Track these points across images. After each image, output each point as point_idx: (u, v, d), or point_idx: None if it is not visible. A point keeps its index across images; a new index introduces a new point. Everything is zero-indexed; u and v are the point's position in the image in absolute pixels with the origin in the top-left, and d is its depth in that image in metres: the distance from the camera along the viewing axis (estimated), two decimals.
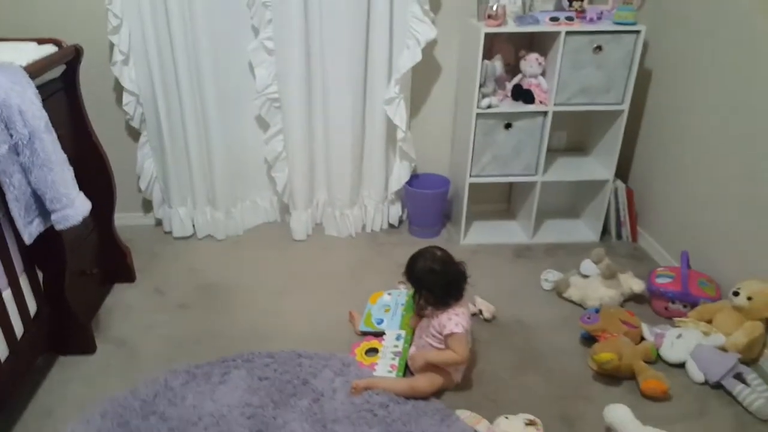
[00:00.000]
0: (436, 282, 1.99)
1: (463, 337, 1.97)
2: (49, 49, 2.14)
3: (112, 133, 2.86)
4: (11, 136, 1.66)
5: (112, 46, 2.64)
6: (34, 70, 1.87)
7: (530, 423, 1.82)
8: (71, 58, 2.20)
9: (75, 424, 1.90)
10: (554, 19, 2.59)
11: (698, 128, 2.54)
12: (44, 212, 1.86)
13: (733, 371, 2.03)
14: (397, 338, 2.23)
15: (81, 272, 2.27)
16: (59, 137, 1.88)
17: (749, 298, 2.10)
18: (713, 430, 1.90)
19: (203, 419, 1.93)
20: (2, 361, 1.83)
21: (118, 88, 2.77)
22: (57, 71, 2.16)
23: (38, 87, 1.85)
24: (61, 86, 2.20)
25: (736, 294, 2.14)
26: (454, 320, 1.97)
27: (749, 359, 2.15)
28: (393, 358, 2.15)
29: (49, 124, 1.80)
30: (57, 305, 2.12)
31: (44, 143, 1.75)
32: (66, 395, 2.05)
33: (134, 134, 2.92)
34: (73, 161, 1.96)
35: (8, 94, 1.62)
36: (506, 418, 1.82)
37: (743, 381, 2.03)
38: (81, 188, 1.97)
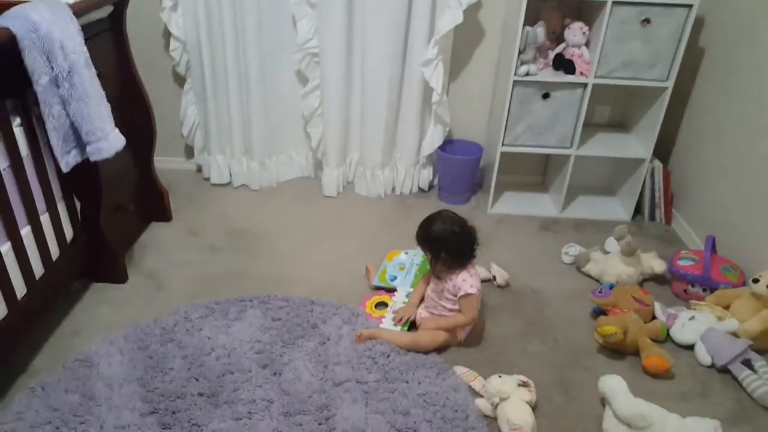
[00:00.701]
0: (455, 242, 2.01)
1: (476, 299, 2.01)
2: None
3: (160, 78, 2.98)
4: (52, 68, 1.76)
5: None
6: (79, 8, 1.95)
7: (523, 384, 1.84)
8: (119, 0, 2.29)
9: (99, 343, 2.05)
10: None
11: (745, 116, 2.42)
12: (81, 144, 1.97)
13: (742, 357, 1.98)
14: (407, 296, 2.27)
15: (117, 206, 2.41)
16: (101, 75, 1.97)
17: None
18: (709, 410, 1.87)
19: (215, 350, 2.04)
20: (38, 278, 1.99)
21: (167, 35, 2.87)
22: (104, 11, 2.25)
23: (84, 25, 1.95)
24: (108, 26, 2.29)
25: (756, 281, 2.08)
26: (468, 281, 2.01)
27: (762, 348, 2.09)
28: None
29: (89, 60, 1.89)
30: (93, 234, 2.27)
31: (83, 78, 1.85)
32: (95, 318, 2.21)
33: (180, 81, 3.03)
34: (114, 100, 2.06)
35: (50, 28, 1.72)
36: (499, 376, 1.84)
37: (751, 368, 1.98)
38: (122, 127, 2.08)
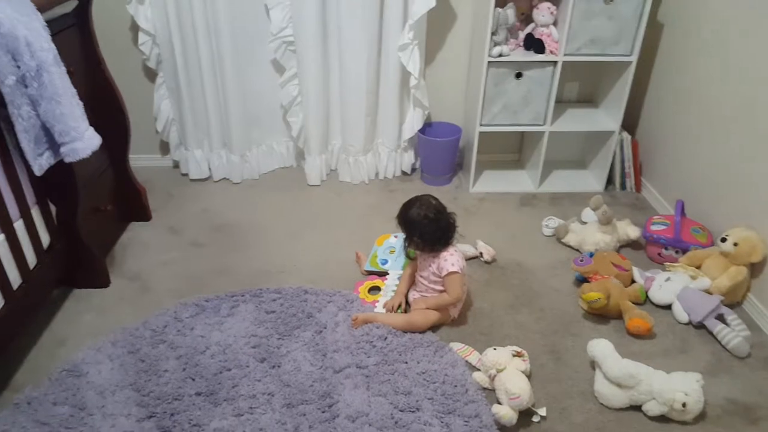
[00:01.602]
0: (428, 228, 1.98)
1: (459, 277, 1.97)
2: None
3: (130, 73, 2.82)
4: (18, 67, 1.61)
5: None
6: (42, 4, 1.79)
7: (517, 354, 1.82)
8: None
9: (86, 351, 1.92)
10: None
11: (704, 84, 2.43)
12: (54, 146, 1.82)
13: (715, 312, 2.02)
14: (399, 278, 2.21)
15: (95, 208, 2.26)
16: (70, 73, 1.83)
17: (735, 244, 2.09)
18: (689, 365, 1.89)
19: (210, 348, 1.94)
20: (15, 288, 1.84)
21: (135, 28, 2.70)
22: (69, 6, 2.09)
23: (49, 21, 1.80)
24: (74, 21, 2.13)
25: (723, 240, 2.12)
26: (450, 260, 1.98)
27: (733, 302, 2.15)
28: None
29: (58, 58, 1.75)
30: (70, 239, 2.12)
31: (52, 76, 1.70)
32: (80, 326, 2.07)
33: (151, 75, 2.87)
34: (85, 97, 1.92)
35: (14, 24, 1.57)
36: (494, 349, 1.81)
37: (724, 322, 2.03)
38: (94, 125, 1.93)
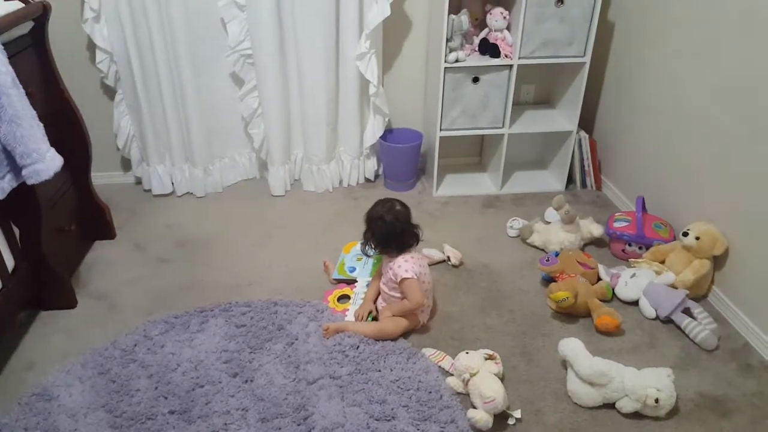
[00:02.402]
0: (379, 229, 2.02)
1: (414, 282, 1.99)
2: (16, 5, 2.04)
3: (88, 91, 2.79)
4: None
5: (82, 2, 2.54)
6: None
7: (489, 357, 1.86)
8: (39, 14, 2.11)
9: (56, 374, 1.90)
10: None
11: (656, 82, 2.52)
12: (16, 168, 1.81)
13: (682, 306, 2.07)
14: (367, 285, 2.24)
15: (59, 229, 2.23)
16: (29, 94, 1.82)
17: (697, 238, 2.14)
18: (659, 360, 1.95)
19: (181, 365, 1.94)
20: None
21: (92, 47, 2.68)
22: (25, 28, 2.08)
23: (5, 44, 1.80)
24: (30, 43, 2.12)
25: (685, 234, 2.17)
26: (403, 267, 2.00)
27: (698, 295, 2.21)
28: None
29: (16, 80, 1.73)
30: (35, 261, 2.09)
31: (11, 99, 1.69)
32: (47, 349, 2.04)
33: (110, 93, 2.84)
34: (44, 118, 1.90)
35: None
36: (466, 353, 1.84)
37: (691, 315, 2.08)
38: (55, 146, 1.92)
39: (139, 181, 3.06)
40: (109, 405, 1.80)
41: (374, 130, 2.94)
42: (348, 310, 2.15)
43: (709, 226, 2.15)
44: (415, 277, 1.99)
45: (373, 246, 2.06)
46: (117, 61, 2.68)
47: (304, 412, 1.76)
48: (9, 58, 1.74)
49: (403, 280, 1.99)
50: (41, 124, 1.85)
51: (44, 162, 1.83)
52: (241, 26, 2.65)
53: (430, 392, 1.82)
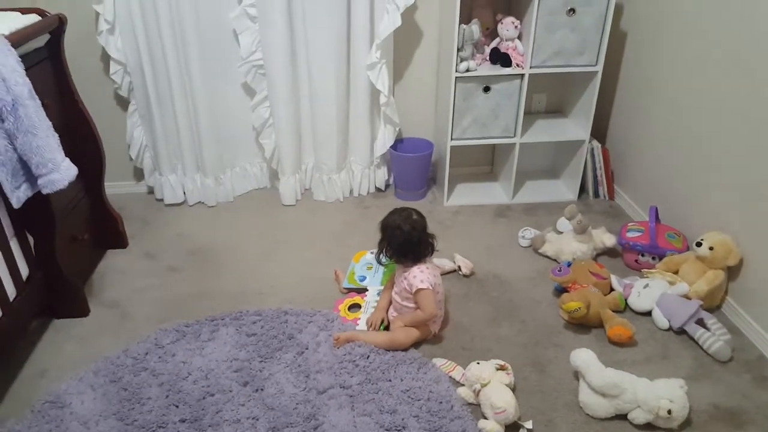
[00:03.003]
0: (396, 239, 2.03)
1: (429, 293, 2.00)
2: (33, 18, 2.11)
3: (102, 102, 2.85)
4: None
5: (97, 15, 2.61)
6: (16, 39, 1.84)
7: (501, 368, 1.86)
8: (55, 27, 2.16)
9: (68, 382, 1.93)
10: None
11: (670, 89, 2.52)
12: (31, 178, 1.85)
13: (695, 317, 2.06)
14: (378, 294, 2.25)
15: (72, 238, 2.28)
16: (45, 105, 1.87)
17: (711, 248, 2.12)
18: (672, 371, 1.94)
19: (192, 374, 1.96)
20: None
21: (106, 58, 2.74)
22: (41, 40, 2.14)
23: (22, 56, 1.84)
24: (46, 55, 2.17)
25: (699, 245, 2.16)
26: (419, 277, 2.01)
27: (712, 306, 2.19)
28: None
29: (33, 92, 1.78)
30: (49, 269, 2.13)
31: (28, 110, 1.73)
32: (60, 356, 2.07)
33: (123, 103, 2.89)
34: (60, 129, 1.95)
35: None
36: (478, 363, 1.85)
37: (704, 326, 2.06)
38: (69, 156, 1.96)
39: (151, 191, 3.10)
40: (120, 413, 1.82)
41: (385, 140, 2.97)
42: (359, 319, 2.17)
43: (723, 236, 2.14)
44: (431, 288, 2.00)
45: (388, 255, 2.08)
46: (130, 72, 2.74)
47: (314, 422, 1.77)
48: (26, 69, 1.79)
49: (419, 290, 2.00)
50: (57, 135, 1.90)
51: (59, 172, 1.87)
52: (253, 37, 2.70)
53: (441, 402, 1.82)
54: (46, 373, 2.00)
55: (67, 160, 1.93)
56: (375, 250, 2.48)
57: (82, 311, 2.26)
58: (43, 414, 1.81)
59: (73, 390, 1.90)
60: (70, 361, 2.04)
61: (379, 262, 2.15)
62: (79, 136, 2.33)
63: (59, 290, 2.19)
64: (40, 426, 1.77)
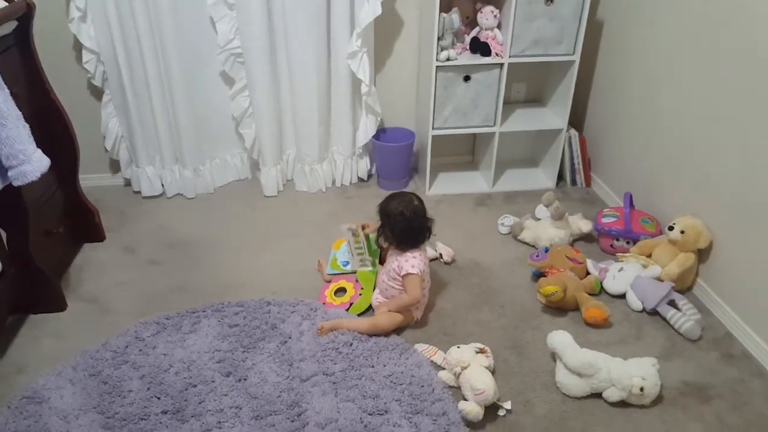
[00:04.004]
0: (398, 225, 2.05)
1: (417, 278, 2.03)
2: None
3: (76, 92, 2.79)
4: None
5: (68, 2, 2.54)
6: None
7: (480, 351, 1.89)
8: (23, 13, 2.11)
9: (46, 377, 1.90)
10: None
11: (642, 80, 2.57)
12: (2, 170, 1.81)
13: (667, 298, 2.13)
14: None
15: (46, 231, 2.23)
16: (14, 95, 1.82)
17: (682, 232, 2.19)
18: (646, 351, 2.00)
19: (174, 365, 1.95)
20: None
21: (78, 47, 2.67)
22: (8, 27, 2.07)
23: None
24: (13, 42, 2.11)
25: (671, 228, 2.22)
26: (410, 262, 2.03)
27: (684, 287, 2.27)
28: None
29: (1, 80, 1.74)
30: (23, 264, 2.09)
31: None
32: (38, 352, 2.04)
33: (98, 93, 2.84)
34: (30, 119, 1.91)
35: None
36: (458, 347, 1.88)
37: (676, 307, 2.14)
38: (41, 147, 1.92)
39: (128, 183, 3.06)
40: (101, 406, 1.80)
41: (367, 130, 2.96)
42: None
43: (694, 220, 2.20)
44: (420, 274, 2.03)
45: (388, 241, 2.09)
46: (104, 61, 2.68)
47: (297, 409, 1.78)
48: None
49: (408, 274, 2.02)
50: (27, 125, 1.85)
51: (31, 163, 1.83)
52: (231, 25, 2.66)
53: (423, 386, 1.84)
54: (23, 369, 1.97)
55: (39, 151, 1.90)
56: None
57: (58, 306, 2.22)
58: (21, 410, 1.79)
59: (51, 385, 1.87)
60: (48, 357, 2.01)
61: (380, 247, 2.17)
62: (51, 127, 2.28)
63: (34, 285, 2.15)
64: (18, 422, 1.75)
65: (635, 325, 2.13)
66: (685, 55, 2.29)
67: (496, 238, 2.66)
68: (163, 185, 2.99)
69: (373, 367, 1.92)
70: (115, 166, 3.06)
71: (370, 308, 2.19)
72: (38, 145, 1.91)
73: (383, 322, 2.05)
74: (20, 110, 1.83)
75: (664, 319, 2.13)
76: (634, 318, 2.16)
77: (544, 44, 2.72)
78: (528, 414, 1.80)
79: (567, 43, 2.74)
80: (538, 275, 2.33)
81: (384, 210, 2.09)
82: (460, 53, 2.76)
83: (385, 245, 2.15)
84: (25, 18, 2.13)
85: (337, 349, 1.98)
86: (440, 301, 2.25)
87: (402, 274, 2.04)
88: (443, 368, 1.92)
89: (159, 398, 1.83)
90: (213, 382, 1.88)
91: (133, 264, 2.51)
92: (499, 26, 2.75)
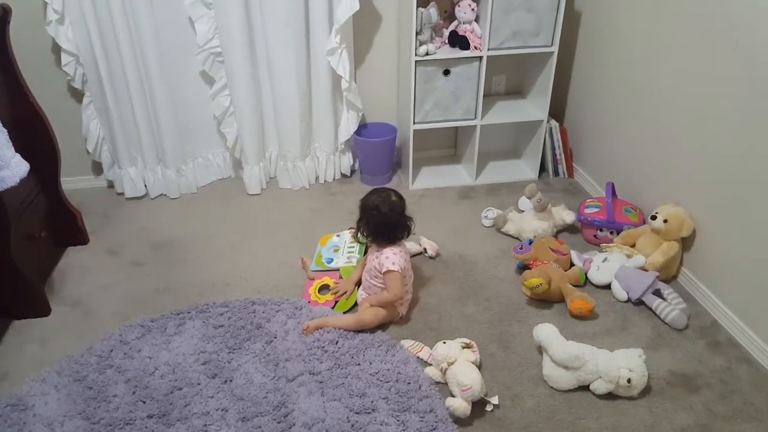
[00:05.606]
0: (373, 219, 2.03)
1: (398, 275, 2.00)
2: None
3: (55, 95, 2.72)
4: None
5: (45, 4, 2.47)
6: None
7: (466, 346, 1.87)
8: None
9: (30, 383, 1.86)
10: None
11: (623, 68, 2.54)
12: None
13: (652, 288, 2.10)
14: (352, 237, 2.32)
15: (29, 236, 2.18)
16: None
17: (665, 221, 2.16)
18: (632, 341, 1.98)
19: (159, 368, 1.91)
20: None
21: (57, 49, 2.60)
22: None
23: None
24: None
25: (654, 218, 2.20)
26: (390, 259, 2.01)
27: (668, 276, 2.24)
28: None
29: None
30: (5, 269, 2.04)
31: None
32: (21, 358, 1.99)
33: (78, 96, 2.77)
34: (9, 124, 1.86)
35: None
36: (444, 343, 1.85)
37: (661, 296, 2.11)
38: (21, 151, 1.87)
39: (111, 185, 3.00)
40: (86, 412, 1.76)
41: (348, 125, 2.92)
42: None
43: (677, 209, 2.18)
44: (400, 271, 2.00)
45: (364, 234, 2.07)
46: (83, 63, 2.61)
47: (284, 410, 1.75)
48: None
49: (388, 271, 2.00)
50: (5, 130, 1.81)
51: (9, 168, 1.79)
52: (209, 24, 2.61)
53: (409, 383, 1.82)
54: (7, 376, 1.92)
55: (18, 156, 1.85)
56: (340, 234, 2.49)
57: (42, 311, 2.17)
58: (5, 418, 1.74)
59: (35, 391, 1.83)
60: (31, 363, 1.96)
61: (358, 241, 2.16)
62: (31, 131, 2.23)
63: (17, 290, 2.10)
64: (2, 430, 1.70)
65: (621, 316, 2.11)
66: (663, 44, 2.26)
67: (479, 231, 2.64)
68: (146, 186, 2.93)
69: (359, 365, 1.89)
70: (97, 168, 3.00)
71: (356, 305, 2.16)
72: (18, 150, 1.86)
73: (367, 317, 2.02)
74: None
75: (649, 308, 2.10)
76: (620, 308, 2.14)
77: (522, 36, 2.69)
78: (516, 408, 1.77)
79: (545, 35, 2.71)
80: (523, 268, 2.30)
81: (363, 204, 2.08)
82: (439, 47, 2.72)
83: (362, 240, 2.13)
84: (1, 22, 2.07)
85: (323, 347, 1.95)
86: (425, 296, 2.23)
87: (382, 271, 2.01)
88: (430, 364, 1.89)
89: (144, 402, 1.79)
90: (199, 384, 1.85)
91: (117, 266, 2.46)
92: (477, 19, 2.71)
